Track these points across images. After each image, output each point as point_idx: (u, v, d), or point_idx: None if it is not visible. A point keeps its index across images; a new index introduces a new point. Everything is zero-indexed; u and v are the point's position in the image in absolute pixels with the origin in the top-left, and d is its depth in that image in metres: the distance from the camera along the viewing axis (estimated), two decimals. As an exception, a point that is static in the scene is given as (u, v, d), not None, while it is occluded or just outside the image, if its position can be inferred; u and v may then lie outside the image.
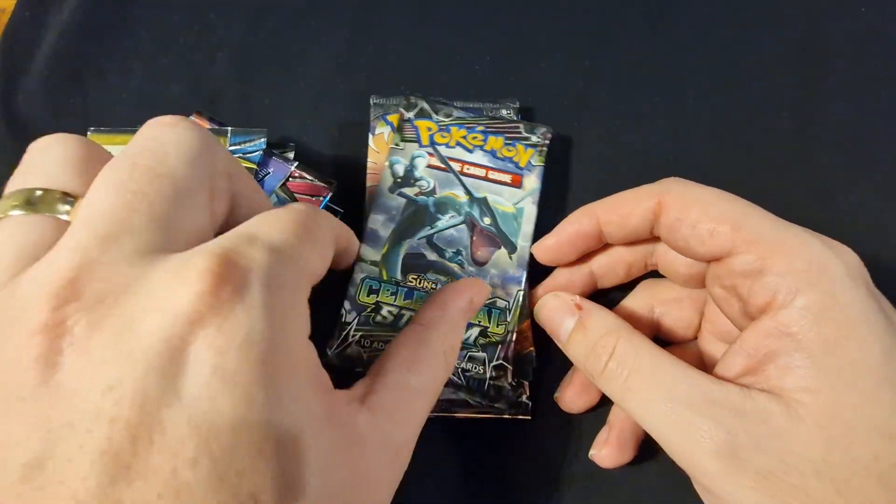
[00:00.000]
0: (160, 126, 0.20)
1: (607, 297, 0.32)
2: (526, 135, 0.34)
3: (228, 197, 0.22)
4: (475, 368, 0.29)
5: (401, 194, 0.32)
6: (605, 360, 0.25)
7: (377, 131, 0.34)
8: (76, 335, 0.16)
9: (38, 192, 0.19)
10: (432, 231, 0.31)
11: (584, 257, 0.30)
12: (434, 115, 0.34)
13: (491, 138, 0.33)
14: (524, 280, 0.31)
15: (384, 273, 0.30)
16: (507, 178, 0.32)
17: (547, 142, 0.33)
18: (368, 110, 0.35)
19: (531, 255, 0.31)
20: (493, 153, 0.33)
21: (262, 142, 0.32)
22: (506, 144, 0.33)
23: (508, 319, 0.30)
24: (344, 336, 0.29)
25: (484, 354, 0.29)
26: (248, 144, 0.32)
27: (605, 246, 0.30)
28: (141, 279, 0.17)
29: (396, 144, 0.33)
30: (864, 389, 0.21)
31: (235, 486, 0.16)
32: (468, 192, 0.32)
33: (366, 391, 0.22)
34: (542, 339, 0.30)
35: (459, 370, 0.29)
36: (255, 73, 0.38)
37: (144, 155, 0.19)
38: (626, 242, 0.29)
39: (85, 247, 0.17)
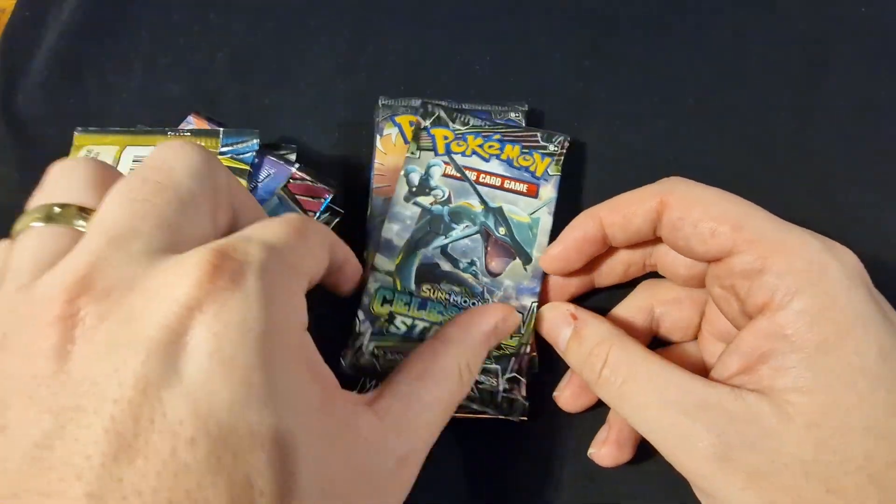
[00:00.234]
0: (168, 148, 0.22)
1: (608, 297, 0.32)
2: (543, 143, 0.33)
3: (230, 209, 0.23)
4: (488, 381, 0.29)
5: (416, 203, 0.31)
6: (600, 368, 0.25)
7: (385, 132, 0.34)
8: (87, 325, 0.17)
9: (58, 209, 0.20)
10: (447, 241, 0.31)
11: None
12: (451, 124, 0.33)
13: (507, 147, 0.33)
14: (538, 292, 0.30)
15: (398, 283, 0.30)
16: (522, 187, 0.32)
17: (564, 151, 0.33)
18: (369, 110, 0.35)
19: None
20: (509, 162, 0.33)
21: (254, 143, 0.32)
22: (522, 153, 0.33)
23: (522, 332, 0.30)
24: (358, 347, 0.29)
25: (497, 367, 0.29)
26: (240, 145, 0.32)
27: (611, 248, 0.30)
28: (146, 275, 0.18)
29: (412, 153, 0.32)
30: (858, 390, 0.21)
31: (231, 467, 0.16)
32: (483, 202, 0.32)
33: (374, 397, 0.23)
34: (543, 339, 0.30)
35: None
36: (255, 73, 0.38)
37: (152, 171, 0.21)
38: (629, 244, 0.29)
39: (96, 249, 0.18)
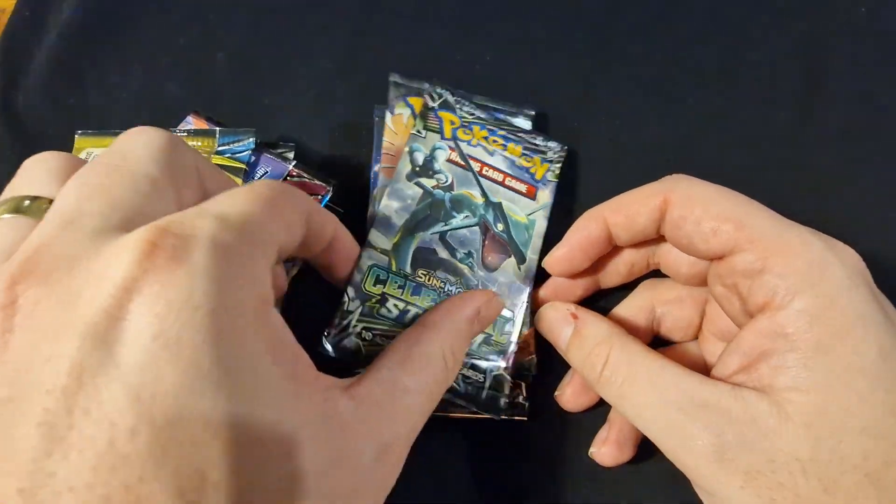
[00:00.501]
0: (128, 133, 0.21)
1: (609, 296, 0.32)
2: (542, 148, 0.33)
3: (199, 190, 0.22)
4: (476, 376, 0.29)
5: (418, 184, 0.31)
6: (601, 367, 0.25)
7: (396, 111, 0.34)
8: (24, 310, 0.16)
9: (27, 201, 0.20)
10: (446, 228, 0.30)
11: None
12: (458, 110, 0.33)
13: (511, 145, 0.33)
14: (529, 293, 0.30)
15: (393, 263, 0.29)
16: (522, 187, 0.32)
17: (561, 160, 0.33)
18: (369, 110, 0.35)
19: (539, 269, 0.31)
20: (511, 160, 0.33)
21: (250, 142, 0.32)
22: (524, 154, 0.33)
23: (512, 330, 0.30)
24: (344, 325, 0.28)
25: (487, 363, 0.29)
26: (236, 144, 0.32)
27: (615, 248, 0.30)
28: (91, 254, 0.17)
29: (418, 132, 0.32)
30: (857, 390, 0.21)
31: (179, 458, 0.15)
32: (485, 195, 0.31)
33: (354, 382, 0.22)
34: (543, 339, 0.30)
35: (460, 377, 0.28)
36: (255, 73, 0.38)
37: (109, 156, 0.20)
38: (633, 244, 0.29)
39: (45, 233, 0.18)
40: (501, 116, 0.34)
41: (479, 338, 0.29)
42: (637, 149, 0.37)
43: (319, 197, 0.32)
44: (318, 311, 0.32)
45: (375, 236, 0.29)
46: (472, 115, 0.33)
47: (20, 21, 0.40)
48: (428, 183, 0.31)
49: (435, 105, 0.33)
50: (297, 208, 0.22)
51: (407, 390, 0.22)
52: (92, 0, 0.40)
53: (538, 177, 0.32)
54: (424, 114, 0.32)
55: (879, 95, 0.38)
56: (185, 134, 0.33)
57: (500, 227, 0.31)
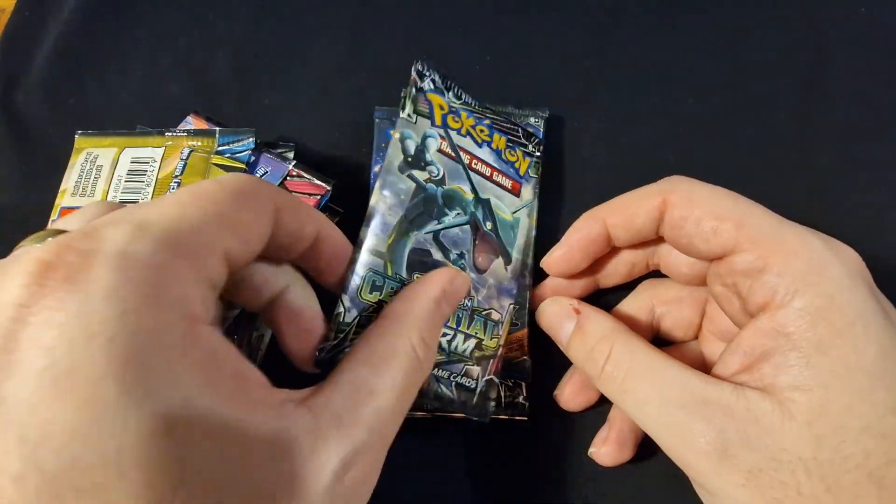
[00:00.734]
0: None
1: (608, 297, 0.32)
2: (524, 142, 0.33)
3: (268, 222, 0.20)
4: (468, 382, 0.28)
5: (410, 176, 0.29)
6: (602, 363, 0.25)
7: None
8: None
9: (58, 233, 0.19)
10: (439, 226, 0.29)
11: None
12: (446, 93, 0.31)
13: (496, 136, 0.32)
14: (516, 294, 0.30)
15: (389, 267, 0.27)
16: (508, 183, 0.31)
17: (538, 154, 0.33)
18: (369, 110, 0.35)
19: (537, 269, 0.31)
20: (498, 153, 0.32)
21: (250, 142, 0.32)
22: (508, 147, 0.32)
23: (501, 333, 0.29)
24: (340, 339, 0.25)
25: (478, 368, 0.28)
26: (236, 144, 0.32)
27: (613, 249, 0.30)
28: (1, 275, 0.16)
29: (408, 116, 0.29)
30: (858, 389, 0.21)
31: None
32: (474, 190, 0.30)
33: (311, 392, 0.20)
34: (543, 339, 0.30)
35: (453, 385, 0.28)
36: (255, 73, 0.38)
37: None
38: (632, 245, 0.29)
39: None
40: (505, 121, 0.34)
41: (472, 343, 0.28)
42: (637, 149, 0.37)
43: (318, 197, 0.32)
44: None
45: (371, 237, 0.27)
46: (460, 98, 0.31)
47: (20, 21, 0.40)
48: (420, 176, 0.29)
49: (423, 86, 0.30)
50: (256, 207, 0.20)
51: (373, 392, 0.20)
52: (92, 0, 0.40)
53: (521, 172, 0.32)
54: (414, 96, 0.29)
55: (879, 95, 0.38)
56: (185, 134, 0.33)
57: (489, 225, 0.30)
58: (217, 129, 0.33)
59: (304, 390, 0.20)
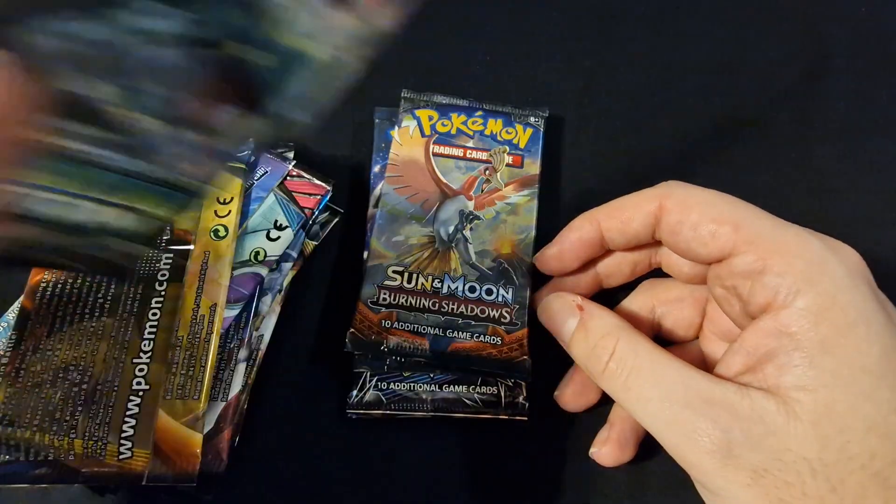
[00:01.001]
0: None
1: (608, 296, 0.32)
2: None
3: None
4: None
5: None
6: (606, 360, 0.25)
7: (403, 125, 0.34)
8: None
9: None
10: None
11: (588, 262, 0.30)
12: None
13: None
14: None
15: None
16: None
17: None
18: (369, 110, 0.35)
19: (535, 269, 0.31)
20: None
21: (249, 142, 0.32)
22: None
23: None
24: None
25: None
26: None
27: (609, 250, 0.30)
28: None
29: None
30: (862, 389, 0.21)
31: None
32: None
33: None
34: (543, 339, 0.29)
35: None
36: (254, 73, 0.38)
37: None
38: (627, 248, 0.29)
39: None
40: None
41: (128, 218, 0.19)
42: (636, 149, 0.37)
43: (318, 197, 0.32)
44: (316, 311, 0.32)
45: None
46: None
47: (20, 21, 0.40)
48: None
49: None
50: None
51: None
52: (91, 0, 0.40)
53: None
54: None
55: (879, 95, 0.38)
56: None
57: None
58: (216, 128, 0.33)
59: None
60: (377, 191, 0.33)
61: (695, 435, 0.22)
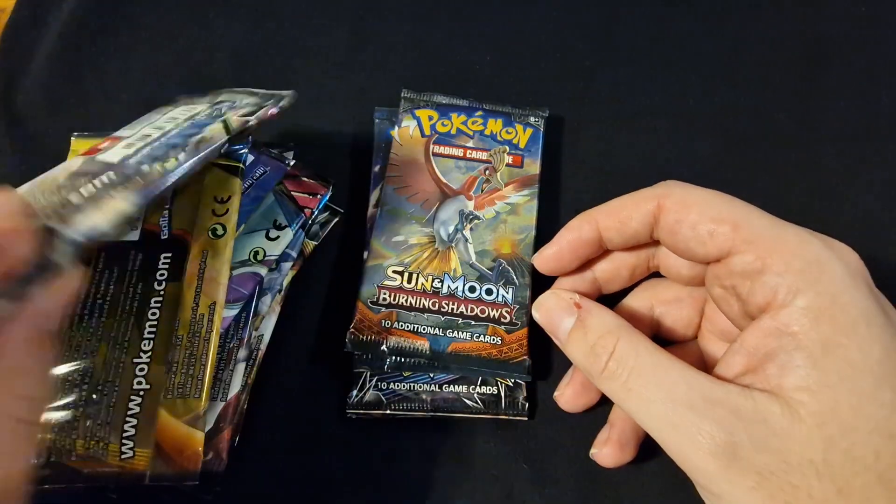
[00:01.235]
0: None
1: (607, 297, 0.32)
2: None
3: None
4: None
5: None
6: (605, 359, 0.25)
7: (403, 124, 0.35)
8: None
9: None
10: None
11: (587, 264, 0.30)
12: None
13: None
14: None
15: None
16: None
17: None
18: (369, 110, 0.35)
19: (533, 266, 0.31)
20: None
21: (248, 141, 0.32)
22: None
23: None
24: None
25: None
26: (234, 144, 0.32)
27: (607, 251, 0.30)
28: None
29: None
30: (864, 389, 0.21)
31: None
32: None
33: None
34: (543, 339, 0.29)
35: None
36: (255, 73, 0.38)
37: None
38: (626, 248, 0.29)
39: None
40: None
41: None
42: (636, 149, 0.37)
43: (318, 197, 0.32)
44: (316, 311, 0.32)
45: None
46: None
47: (20, 21, 0.40)
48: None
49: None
50: None
51: None
52: (92, 0, 0.40)
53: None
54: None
55: (879, 95, 0.38)
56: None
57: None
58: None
59: None
60: (377, 191, 0.33)
61: (699, 437, 0.22)
